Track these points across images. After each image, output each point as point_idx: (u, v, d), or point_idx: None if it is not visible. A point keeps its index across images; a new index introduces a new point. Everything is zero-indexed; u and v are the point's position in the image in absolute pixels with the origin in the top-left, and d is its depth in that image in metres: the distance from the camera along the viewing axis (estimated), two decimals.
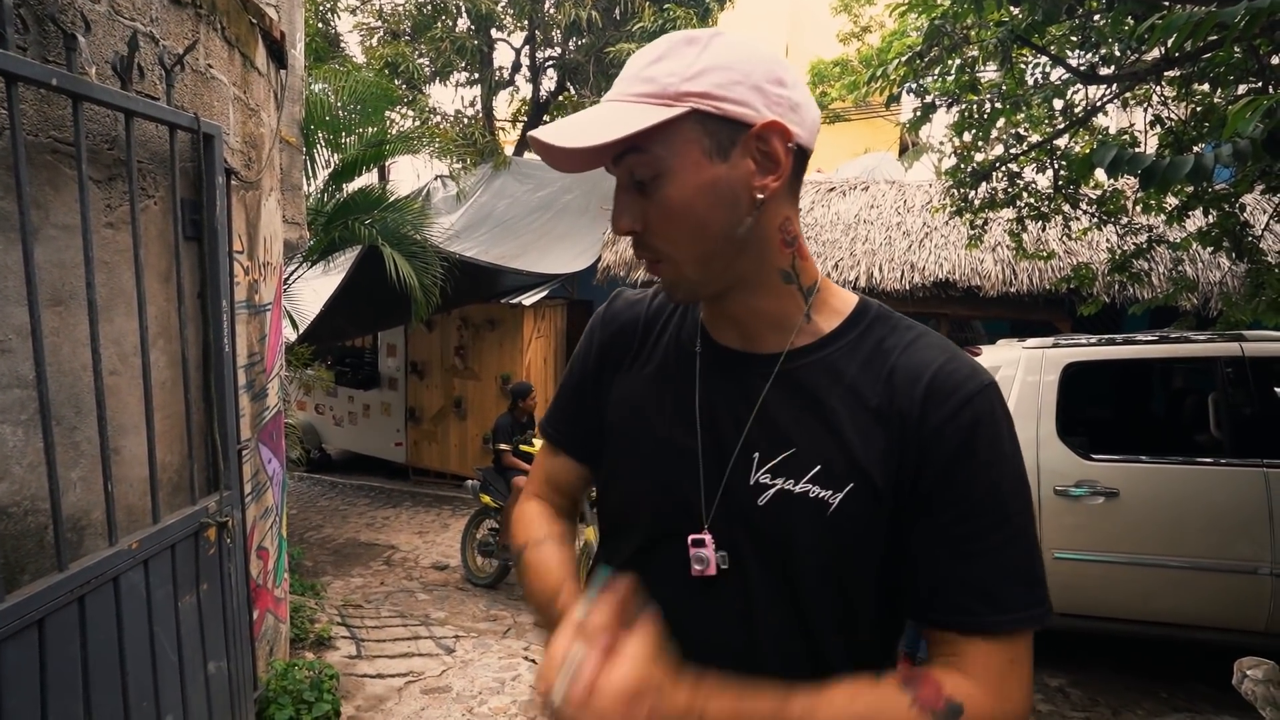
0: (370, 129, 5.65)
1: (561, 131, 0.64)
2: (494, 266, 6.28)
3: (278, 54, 2.81)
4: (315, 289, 6.33)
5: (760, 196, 0.65)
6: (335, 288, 5.58)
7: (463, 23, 10.55)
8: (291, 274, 5.44)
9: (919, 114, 4.28)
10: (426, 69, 10.27)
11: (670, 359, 0.79)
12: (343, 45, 11.03)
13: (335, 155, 5.59)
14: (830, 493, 0.66)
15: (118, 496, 1.70)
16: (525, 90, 11.58)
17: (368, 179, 6.61)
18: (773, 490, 0.68)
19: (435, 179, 9.92)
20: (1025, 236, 5.02)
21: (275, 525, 2.80)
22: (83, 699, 1.56)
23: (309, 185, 5.36)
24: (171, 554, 1.84)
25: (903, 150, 12.29)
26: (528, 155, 10.94)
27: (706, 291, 0.72)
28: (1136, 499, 3.24)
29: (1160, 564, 3.20)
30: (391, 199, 5.38)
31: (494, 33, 10.66)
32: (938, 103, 4.44)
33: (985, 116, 4.33)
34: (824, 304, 0.74)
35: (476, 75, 11.09)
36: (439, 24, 10.28)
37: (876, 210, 7.22)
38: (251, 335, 2.34)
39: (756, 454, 0.70)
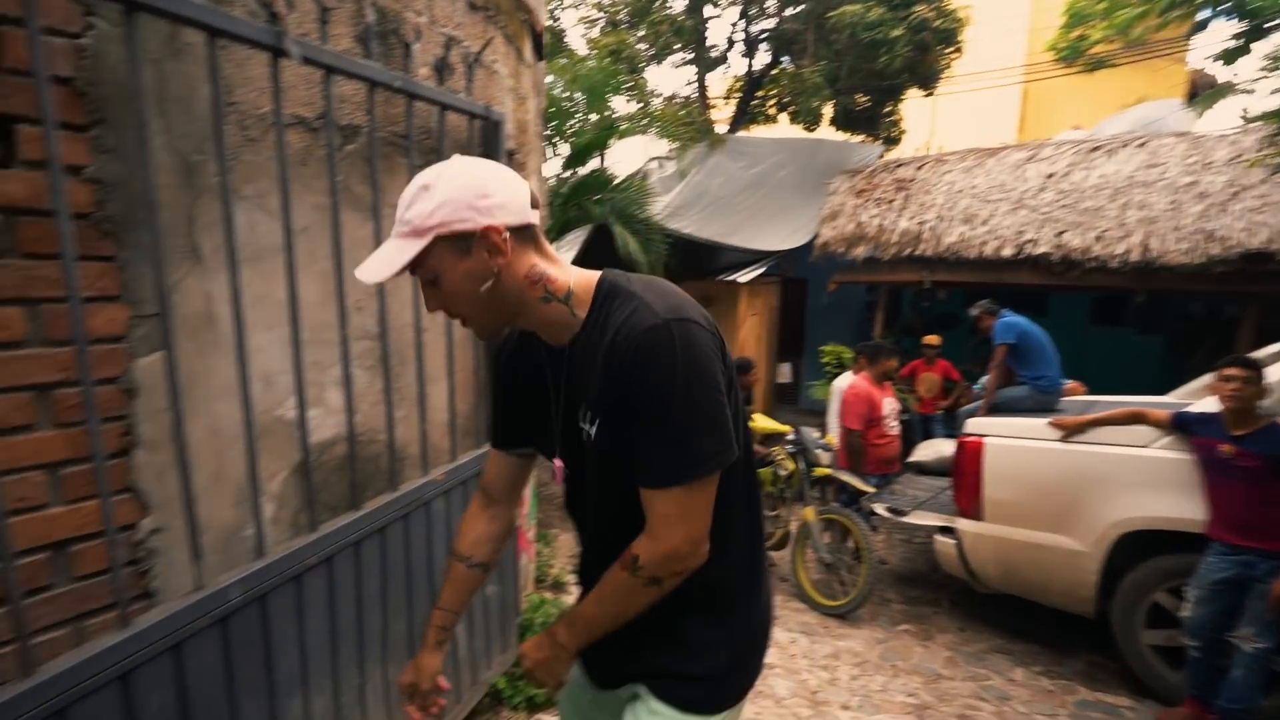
0: (595, 115, 6.01)
1: (367, 268, 0.97)
2: (713, 243, 6.37)
3: (539, 47, 3.08)
4: None
5: (497, 270, 0.96)
6: None
7: (678, 3, 10.74)
8: None
9: (1239, 41, 3.47)
10: (646, 53, 10.63)
11: (536, 361, 1.13)
12: (565, 39, 11.81)
13: (567, 141, 6.04)
14: (589, 426, 1.04)
15: (425, 435, 2.02)
16: (738, 67, 11.50)
17: (594, 162, 7.04)
18: (580, 430, 1.06)
19: (651, 160, 10.29)
20: None
21: None
22: (406, 594, 1.90)
23: (545, 169, 5.87)
24: (464, 488, 2.15)
25: (1193, 95, 10.16)
26: (742, 133, 10.88)
27: (497, 330, 1.06)
28: None
29: None
30: (618, 180, 5.68)
31: (707, 9, 10.70)
32: (1264, 26, 3.58)
33: None
34: (580, 301, 1.02)
35: (692, 55, 11.24)
36: (655, 7, 10.57)
37: (1158, 169, 6.06)
38: None
39: (574, 408, 1.07)
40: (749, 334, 7.16)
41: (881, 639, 3.84)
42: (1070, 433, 3.41)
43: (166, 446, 1.48)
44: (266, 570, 1.47)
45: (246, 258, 1.53)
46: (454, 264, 0.95)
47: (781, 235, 7.46)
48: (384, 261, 0.95)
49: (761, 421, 4.67)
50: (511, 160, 2.41)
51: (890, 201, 6.92)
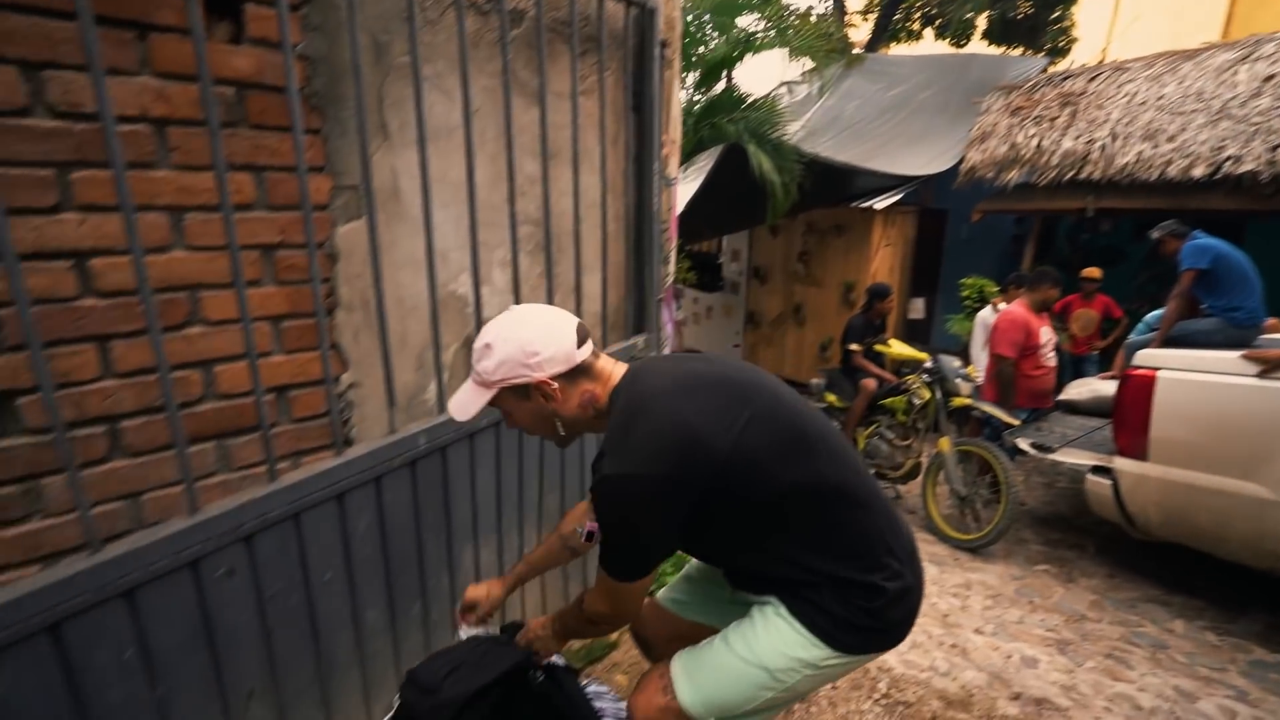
0: (723, 36, 5.76)
1: (453, 408, 1.20)
2: (848, 167, 6.02)
3: None
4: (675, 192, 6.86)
5: (552, 409, 1.18)
6: (694, 191, 5.95)
7: None
8: None
9: None
10: None
11: None
12: None
13: (694, 69, 5.85)
14: None
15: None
16: None
17: (724, 84, 6.79)
18: None
19: (780, 86, 9.78)
20: None
21: None
22: (559, 470, 2.03)
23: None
24: None
25: None
26: (881, 52, 10.07)
27: (568, 443, 1.31)
28: None
29: None
30: (752, 98, 5.46)
31: None
32: None
33: None
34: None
35: None
36: None
37: None
38: (663, 204, 2.63)
39: None
40: (881, 266, 6.79)
41: (1017, 575, 3.68)
42: (1272, 368, 3.00)
43: (360, 309, 1.63)
44: (447, 425, 1.62)
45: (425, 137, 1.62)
46: (518, 405, 1.19)
47: (922, 160, 6.92)
48: (464, 403, 1.19)
49: (897, 347, 4.46)
50: (663, 52, 2.37)
51: (1053, 119, 6.19)
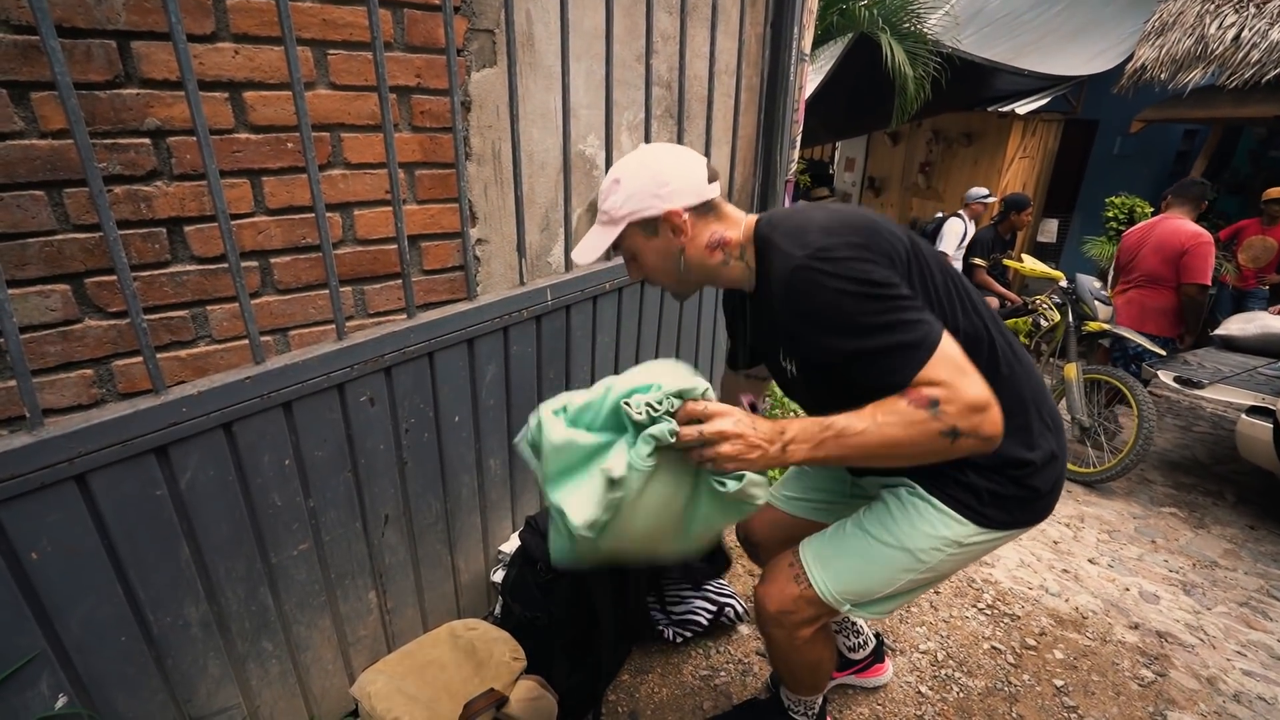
0: None
1: (579, 250, 1.15)
2: (991, 64, 5.39)
3: None
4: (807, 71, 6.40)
5: (681, 246, 1.11)
6: (814, 87, 5.53)
7: None
8: None
9: None
10: None
11: (740, 303, 1.30)
12: None
13: None
14: (790, 366, 1.18)
15: None
16: None
17: None
18: (784, 369, 1.21)
19: None
20: None
21: None
22: (675, 341, 2.00)
23: None
24: None
25: None
26: None
27: (690, 292, 1.23)
28: None
29: None
30: None
31: None
32: None
33: None
34: (750, 252, 1.10)
35: None
36: None
37: None
38: (796, 79, 2.44)
39: (771, 349, 1.23)
40: (1014, 180, 6.16)
41: (1138, 515, 3.43)
42: None
43: (491, 162, 1.61)
44: (571, 284, 1.60)
45: None
46: (646, 243, 1.12)
47: (1080, 59, 6.09)
48: (590, 246, 1.14)
49: (1030, 263, 4.08)
50: None
51: (1263, 3, 5.23)
